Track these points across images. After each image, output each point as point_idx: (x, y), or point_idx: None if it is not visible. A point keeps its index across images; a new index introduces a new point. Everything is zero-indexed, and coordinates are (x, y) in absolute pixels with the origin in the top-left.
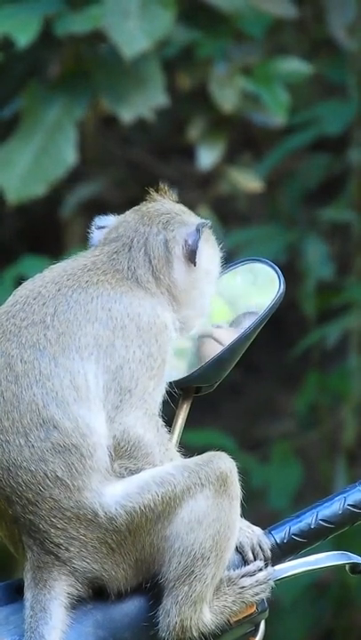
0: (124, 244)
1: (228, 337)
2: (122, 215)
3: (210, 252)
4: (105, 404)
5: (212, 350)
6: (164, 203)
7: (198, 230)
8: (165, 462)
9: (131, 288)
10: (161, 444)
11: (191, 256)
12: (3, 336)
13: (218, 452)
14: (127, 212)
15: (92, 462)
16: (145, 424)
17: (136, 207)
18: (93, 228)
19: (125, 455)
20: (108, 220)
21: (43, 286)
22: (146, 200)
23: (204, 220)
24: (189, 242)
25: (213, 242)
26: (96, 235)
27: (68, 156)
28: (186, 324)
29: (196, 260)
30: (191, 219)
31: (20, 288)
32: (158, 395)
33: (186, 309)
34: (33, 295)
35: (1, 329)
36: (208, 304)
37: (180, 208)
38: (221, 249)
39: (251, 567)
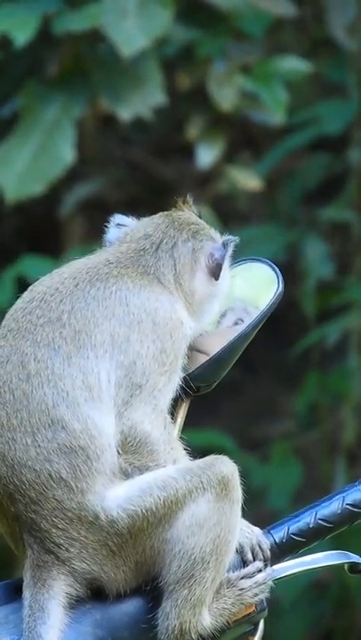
0: (153, 244)
1: (213, 342)
2: (148, 217)
3: (228, 270)
4: (115, 400)
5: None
6: (192, 214)
7: (225, 246)
8: (170, 461)
9: (150, 283)
10: (167, 442)
11: (216, 270)
12: (18, 333)
13: (220, 456)
14: (156, 215)
15: (98, 465)
16: (153, 420)
17: (166, 212)
18: (112, 224)
19: (131, 451)
20: (127, 221)
21: (60, 282)
22: (175, 208)
23: (231, 237)
24: (216, 256)
25: (230, 260)
26: (113, 232)
27: (67, 155)
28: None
29: (220, 275)
30: (217, 235)
31: (36, 284)
32: (169, 392)
33: (193, 320)
34: (50, 292)
35: (16, 325)
36: (210, 321)
37: (205, 223)
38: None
39: (250, 568)
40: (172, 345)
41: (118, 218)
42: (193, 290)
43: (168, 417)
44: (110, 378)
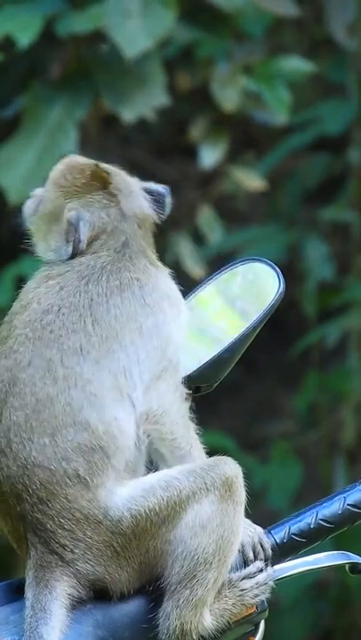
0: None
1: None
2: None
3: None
4: (146, 379)
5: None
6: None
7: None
8: (187, 437)
9: (145, 270)
10: (186, 416)
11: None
12: (39, 341)
13: (224, 457)
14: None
15: (115, 462)
16: (176, 391)
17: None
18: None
19: (153, 420)
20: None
21: (71, 294)
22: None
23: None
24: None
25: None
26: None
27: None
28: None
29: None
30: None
31: (42, 296)
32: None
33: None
34: (66, 304)
35: (35, 335)
36: None
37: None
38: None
39: (251, 569)
40: (183, 318)
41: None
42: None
43: (185, 391)
44: (141, 368)
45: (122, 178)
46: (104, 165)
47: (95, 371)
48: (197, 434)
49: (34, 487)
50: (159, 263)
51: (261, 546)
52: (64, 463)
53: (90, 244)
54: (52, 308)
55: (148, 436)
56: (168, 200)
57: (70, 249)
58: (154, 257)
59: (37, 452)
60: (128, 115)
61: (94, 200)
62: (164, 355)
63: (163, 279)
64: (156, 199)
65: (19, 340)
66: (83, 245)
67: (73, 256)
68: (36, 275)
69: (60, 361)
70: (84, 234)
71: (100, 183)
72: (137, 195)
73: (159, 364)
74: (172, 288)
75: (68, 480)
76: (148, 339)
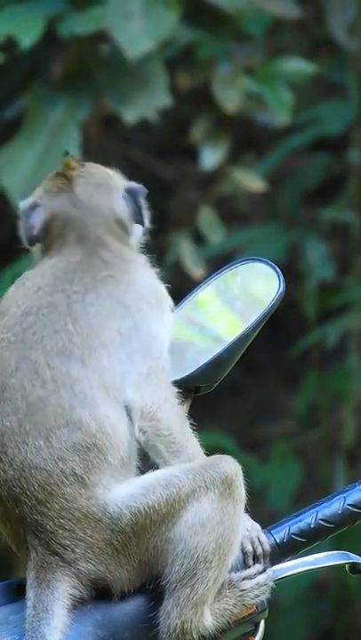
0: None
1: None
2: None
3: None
4: (133, 378)
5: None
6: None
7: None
8: (183, 433)
9: (125, 269)
10: (180, 412)
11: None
12: (22, 344)
13: (224, 456)
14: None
15: (111, 458)
16: (167, 390)
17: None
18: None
19: (148, 417)
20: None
21: (48, 294)
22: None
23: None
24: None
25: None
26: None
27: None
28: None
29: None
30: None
31: (19, 300)
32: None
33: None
34: (45, 304)
35: (16, 338)
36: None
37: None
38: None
39: (252, 570)
40: (168, 316)
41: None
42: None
43: (174, 387)
44: (124, 367)
45: (96, 170)
46: (87, 162)
47: (81, 370)
48: (193, 429)
49: (32, 489)
50: (140, 261)
51: (259, 539)
52: (60, 463)
53: (56, 238)
54: (31, 309)
55: (145, 432)
56: (141, 199)
57: (24, 236)
58: (132, 255)
59: (33, 455)
60: (130, 115)
61: (51, 186)
62: (147, 354)
63: (141, 277)
64: (135, 201)
65: (2, 345)
66: (33, 231)
67: (31, 243)
68: (16, 281)
69: (46, 362)
70: (33, 219)
71: (67, 173)
72: (109, 189)
73: (144, 363)
74: (152, 286)
75: (65, 480)
76: (127, 340)
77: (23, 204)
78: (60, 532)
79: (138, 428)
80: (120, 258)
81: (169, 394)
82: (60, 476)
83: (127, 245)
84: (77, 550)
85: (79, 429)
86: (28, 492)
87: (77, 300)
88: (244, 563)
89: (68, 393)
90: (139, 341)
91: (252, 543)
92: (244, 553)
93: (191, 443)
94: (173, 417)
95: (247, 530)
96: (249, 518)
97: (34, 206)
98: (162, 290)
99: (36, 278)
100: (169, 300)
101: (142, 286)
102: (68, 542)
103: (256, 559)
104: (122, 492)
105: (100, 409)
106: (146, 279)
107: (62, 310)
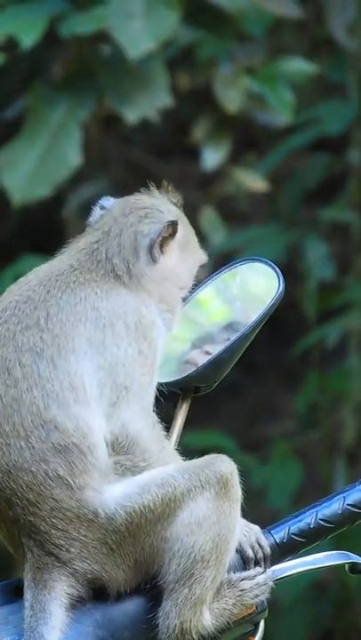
0: (104, 233)
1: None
2: (114, 201)
3: (182, 255)
4: (101, 401)
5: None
6: (152, 197)
7: (165, 226)
8: (161, 461)
9: (114, 286)
10: (157, 440)
11: (152, 249)
12: None
13: (219, 455)
14: (117, 201)
15: (93, 460)
16: (142, 419)
17: (127, 197)
18: (97, 207)
19: (123, 451)
20: (109, 203)
21: (31, 290)
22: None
23: (174, 219)
24: (151, 235)
25: (192, 248)
26: (96, 214)
27: (73, 157)
28: (165, 319)
29: (158, 255)
30: (169, 217)
31: (6, 294)
32: (152, 391)
33: (158, 303)
34: (23, 299)
35: None
36: (177, 305)
37: (168, 207)
38: (209, 257)
39: (251, 572)
40: (148, 346)
41: (104, 200)
42: (141, 272)
43: (155, 416)
44: (92, 379)
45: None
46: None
47: (51, 369)
48: (178, 450)
49: (21, 490)
50: (137, 293)
51: (259, 544)
52: (43, 464)
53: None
54: (9, 304)
55: (122, 466)
56: (96, 208)
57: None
58: (134, 285)
59: (17, 456)
60: (131, 115)
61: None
62: (111, 379)
63: (128, 299)
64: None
65: None
66: (91, 221)
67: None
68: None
69: (17, 359)
70: (95, 215)
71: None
72: (127, 235)
73: (111, 388)
74: (137, 311)
75: (50, 482)
76: (94, 353)
77: (103, 200)
78: (54, 532)
79: (114, 462)
80: (119, 281)
81: (144, 426)
82: (46, 478)
83: (129, 270)
84: (72, 550)
85: (56, 429)
86: (18, 494)
87: (54, 296)
88: (245, 567)
89: (41, 392)
90: (105, 359)
91: (253, 548)
92: (244, 559)
93: (168, 455)
94: (150, 448)
95: (246, 534)
96: (247, 523)
97: (102, 207)
98: (151, 320)
99: (32, 274)
100: (158, 332)
101: (123, 305)
102: (63, 542)
103: (257, 563)
104: (116, 492)
105: (73, 409)
106: (132, 303)
107: (38, 305)
